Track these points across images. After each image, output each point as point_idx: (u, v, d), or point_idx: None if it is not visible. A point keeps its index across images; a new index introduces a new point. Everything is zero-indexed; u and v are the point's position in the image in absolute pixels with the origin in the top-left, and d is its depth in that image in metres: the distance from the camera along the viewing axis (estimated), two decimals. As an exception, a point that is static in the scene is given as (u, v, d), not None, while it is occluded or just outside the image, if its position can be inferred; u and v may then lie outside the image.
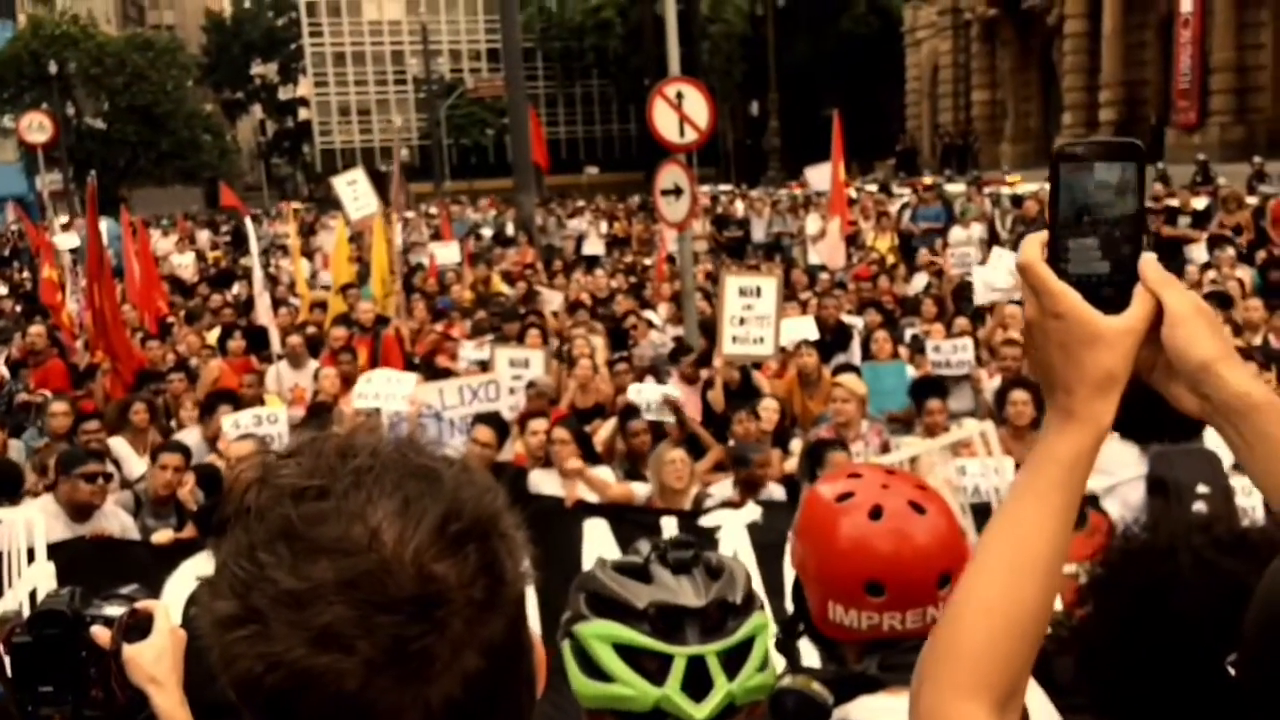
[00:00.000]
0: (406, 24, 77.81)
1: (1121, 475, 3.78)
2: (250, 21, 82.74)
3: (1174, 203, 16.28)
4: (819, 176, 20.11)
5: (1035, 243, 1.07)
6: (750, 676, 1.60)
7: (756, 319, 7.73)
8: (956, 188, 22.47)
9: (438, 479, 0.89)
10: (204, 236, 26.70)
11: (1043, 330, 1.07)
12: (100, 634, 1.58)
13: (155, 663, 1.58)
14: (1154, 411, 1.12)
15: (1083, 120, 35.76)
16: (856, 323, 9.85)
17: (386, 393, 7.04)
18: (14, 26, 54.99)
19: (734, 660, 1.58)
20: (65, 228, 16.56)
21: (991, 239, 14.44)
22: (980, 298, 9.56)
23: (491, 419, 6.68)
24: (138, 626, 1.60)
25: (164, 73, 54.85)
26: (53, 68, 43.63)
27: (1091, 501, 4.57)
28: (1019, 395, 5.78)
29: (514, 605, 0.91)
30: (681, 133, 9.13)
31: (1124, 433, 3.77)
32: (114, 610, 1.62)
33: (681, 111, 9.08)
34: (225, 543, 0.87)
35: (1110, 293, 1.06)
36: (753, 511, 5.25)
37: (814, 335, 8.73)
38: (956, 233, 15.03)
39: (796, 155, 40.54)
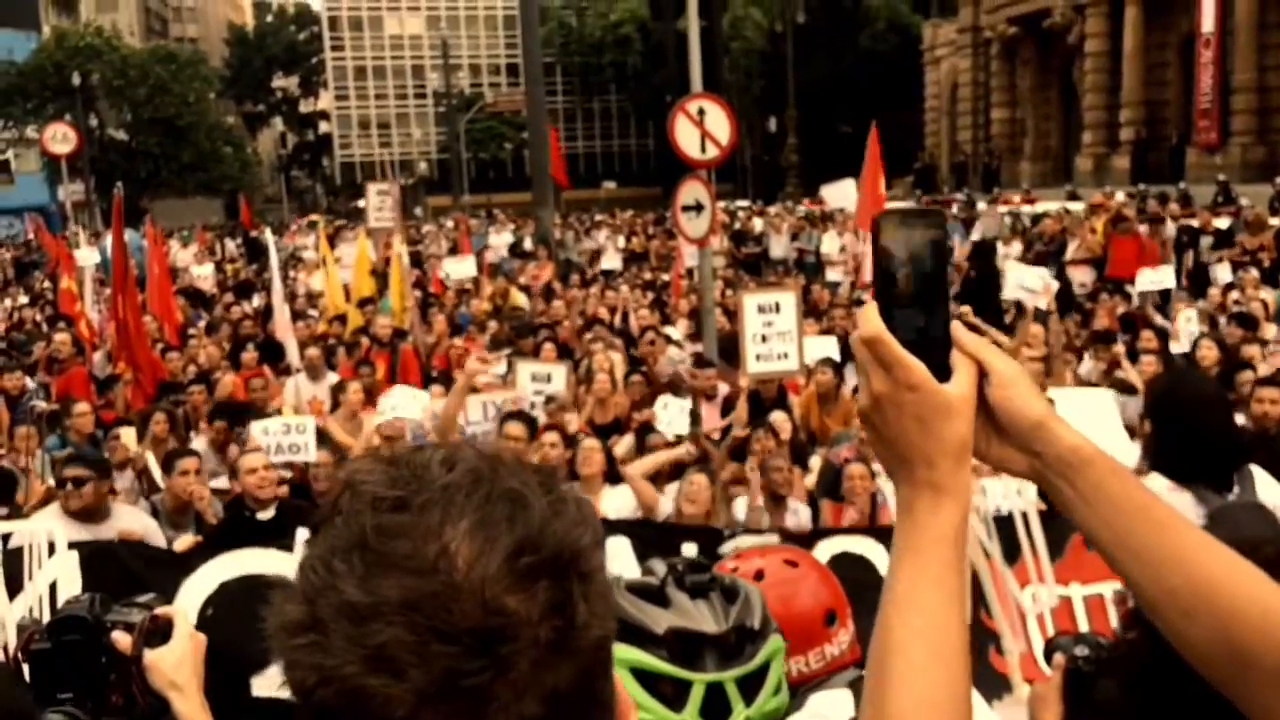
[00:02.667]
0: (427, 39, 78.34)
1: None
2: (272, 35, 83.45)
3: (1195, 223, 16.21)
4: (836, 194, 20.11)
5: (875, 314, 1.05)
6: (767, 701, 1.60)
7: (778, 335, 7.71)
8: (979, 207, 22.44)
9: (525, 505, 0.84)
10: (230, 246, 26.85)
11: (896, 404, 1.05)
12: (121, 639, 1.58)
13: (176, 668, 1.57)
14: (1196, 452, 1.11)
15: (1103, 139, 35.65)
16: None
17: (404, 405, 7.06)
18: (39, 38, 55.59)
19: (751, 686, 1.58)
20: (91, 240, 16.65)
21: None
22: (1008, 293, 9.53)
23: (522, 415, 6.78)
24: (158, 632, 1.60)
25: (186, 85, 55.33)
26: (76, 79, 44.11)
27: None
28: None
29: (589, 653, 0.85)
30: (703, 148, 9.13)
31: (1169, 474, 3.72)
32: (134, 616, 1.62)
33: (703, 127, 9.08)
34: (310, 544, 0.86)
35: (937, 360, 1.05)
36: (770, 538, 5.23)
37: (837, 355, 8.70)
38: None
39: (814, 172, 40.55)
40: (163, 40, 75.75)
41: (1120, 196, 20.24)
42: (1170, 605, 1.09)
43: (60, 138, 20.95)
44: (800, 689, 1.80)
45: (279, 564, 4.57)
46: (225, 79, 74.65)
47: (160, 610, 1.63)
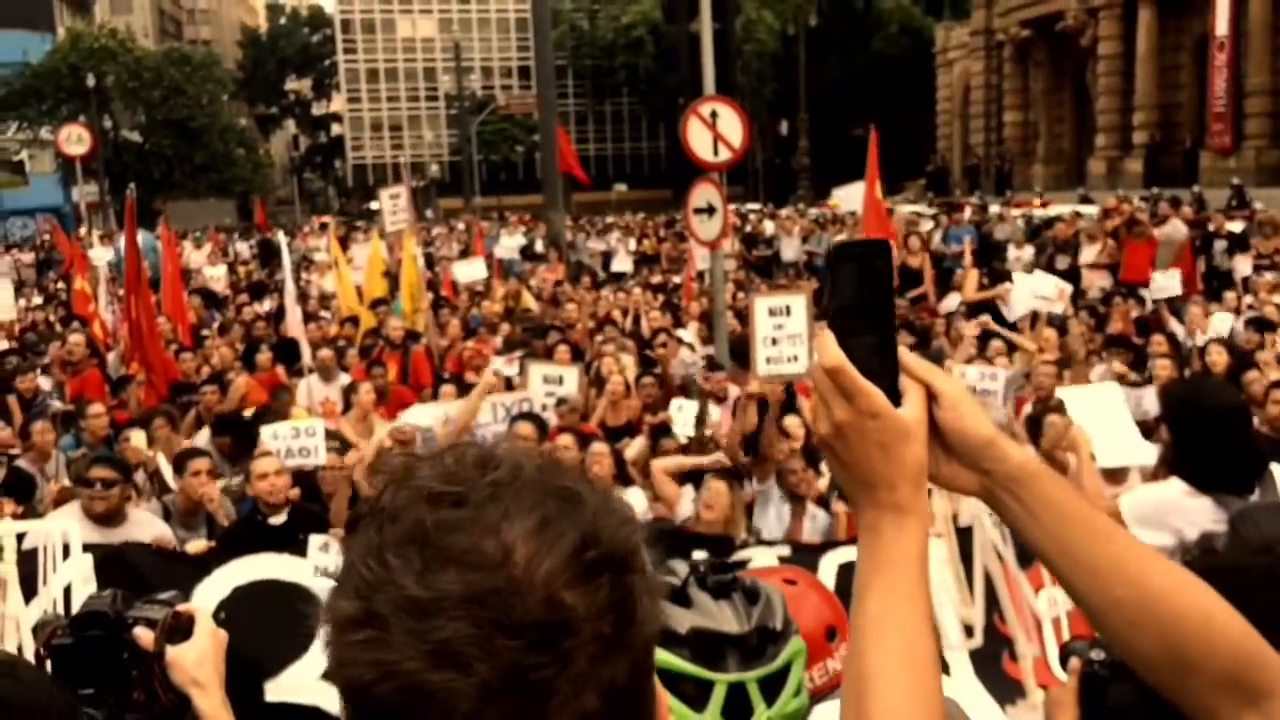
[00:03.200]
0: (439, 41, 78.52)
1: (1204, 529, 3.71)
2: (285, 37, 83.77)
3: (1210, 227, 16.15)
4: (848, 196, 20.08)
5: (835, 343, 1.09)
6: (788, 703, 1.60)
7: (789, 337, 7.69)
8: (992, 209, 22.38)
9: (579, 501, 0.85)
10: (243, 248, 26.93)
11: (859, 431, 1.09)
12: (143, 636, 1.57)
13: (198, 665, 1.58)
14: (1219, 461, 1.13)
15: (1116, 142, 35.55)
16: None
17: (417, 414, 7.08)
18: (53, 40, 55.85)
19: (773, 687, 1.58)
20: (104, 240, 16.72)
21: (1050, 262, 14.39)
22: (1021, 306, 9.40)
23: (532, 416, 6.83)
24: (180, 629, 1.60)
25: (200, 87, 55.55)
26: (91, 81, 44.28)
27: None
28: (1057, 420, 5.70)
29: (642, 649, 0.86)
30: (715, 151, 9.13)
31: (1191, 481, 3.70)
32: (156, 613, 1.61)
33: (716, 130, 9.08)
34: (355, 541, 0.85)
35: (888, 385, 1.09)
36: (783, 549, 5.22)
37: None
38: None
39: (825, 175, 40.55)
40: (176, 42, 76.09)
41: (1135, 200, 20.16)
42: (1117, 615, 1.13)
43: (75, 139, 21.07)
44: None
45: (291, 569, 4.58)
46: (238, 81, 74.91)
47: (182, 607, 1.64)
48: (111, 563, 4.37)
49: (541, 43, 20.21)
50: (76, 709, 1.36)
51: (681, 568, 1.64)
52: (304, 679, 4.06)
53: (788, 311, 7.70)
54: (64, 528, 3.70)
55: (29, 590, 3.75)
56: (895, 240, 14.13)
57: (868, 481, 1.10)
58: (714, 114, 9.14)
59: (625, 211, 38.84)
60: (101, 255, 14.43)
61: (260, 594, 4.66)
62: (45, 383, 9.81)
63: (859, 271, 1.11)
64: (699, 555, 5.08)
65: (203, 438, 7.50)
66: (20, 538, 3.91)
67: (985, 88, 44.47)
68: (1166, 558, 1.15)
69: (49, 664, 1.56)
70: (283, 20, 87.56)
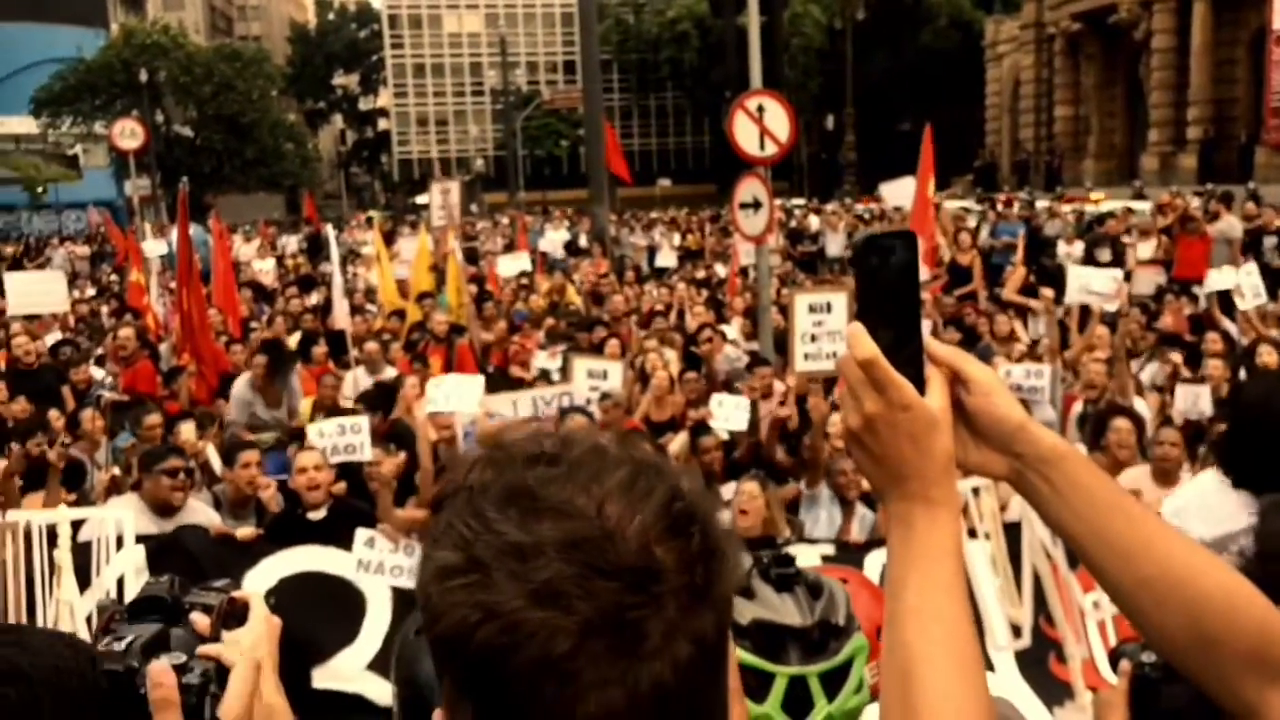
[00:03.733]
0: (485, 36, 78.86)
1: (1235, 525, 3.64)
2: (334, 33, 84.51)
3: (1258, 223, 15.83)
4: (894, 192, 19.89)
5: (867, 336, 1.09)
6: (848, 699, 1.59)
7: (828, 334, 7.66)
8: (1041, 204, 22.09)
9: (663, 470, 0.89)
10: (292, 242, 27.20)
11: (890, 424, 1.09)
12: (199, 620, 1.57)
13: (254, 649, 1.56)
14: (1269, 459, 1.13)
15: (1170, 137, 34.95)
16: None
17: (457, 395, 7.06)
18: (107, 36, 56.78)
19: (834, 681, 1.57)
20: (157, 233, 16.97)
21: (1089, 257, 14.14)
22: (1072, 297, 9.23)
23: (581, 411, 6.86)
24: (235, 614, 1.60)
25: (250, 82, 56.18)
26: (144, 76, 44.97)
27: None
28: (1122, 424, 5.59)
29: (724, 605, 0.89)
30: (762, 146, 9.09)
31: (1242, 478, 3.63)
32: (212, 599, 1.61)
33: (762, 124, 9.03)
34: (451, 506, 0.88)
35: (914, 375, 1.10)
36: (826, 548, 5.18)
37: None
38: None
39: (871, 170, 40.22)
40: (227, 38, 77.07)
41: (1188, 196, 19.81)
42: (1144, 594, 1.14)
43: (129, 133, 21.37)
44: None
45: (336, 563, 4.62)
46: (288, 77, 75.70)
47: (237, 593, 1.66)
48: (167, 550, 4.43)
49: (587, 37, 20.22)
50: (97, 664, 1.37)
51: (745, 560, 1.64)
52: (350, 668, 4.11)
53: (828, 308, 7.67)
54: (118, 518, 3.75)
55: (83, 581, 3.81)
56: (936, 238, 14.00)
57: (899, 474, 1.11)
58: (760, 108, 9.10)
59: (669, 206, 38.79)
60: (154, 248, 14.62)
61: (306, 585, 4.72)
62: (98, 373, 9.97)
63: (885, 264, 1.11)
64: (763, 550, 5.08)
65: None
66: (76, 526, 3.97)
67: (1035, 82, 43.90)
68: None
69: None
70: (331, 16, 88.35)
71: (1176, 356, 7.93)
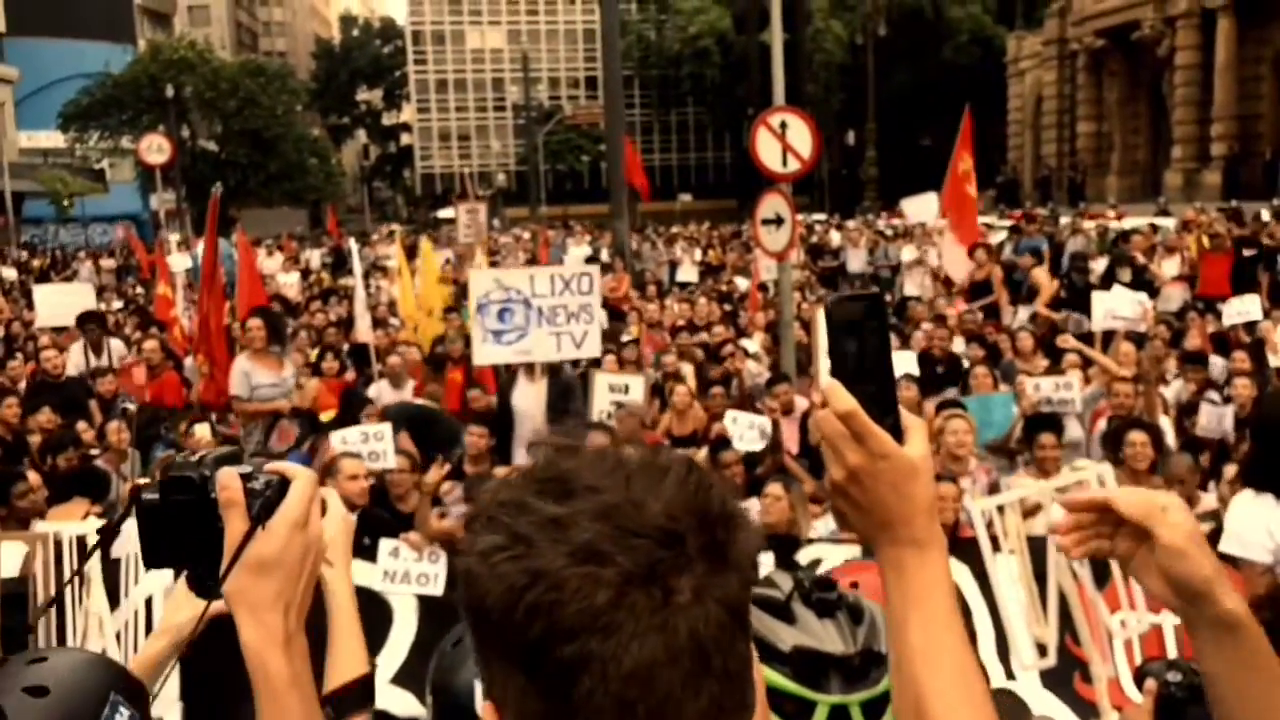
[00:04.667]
0: (508, 52, 79.31)
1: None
2: (358, 49, 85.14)
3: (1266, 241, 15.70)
4: (916, 207, 19.86)
5: (844, 390, 1.14)
6: None
7: None
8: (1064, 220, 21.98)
9: (690, 465, 0.95)
10: (315, 256, 27.36)
11: (871, 474, 1.14)
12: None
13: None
14: None
15: (1193, 154, 34.76)
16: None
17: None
18: (135, 51, 57.36)
19: (875, 711, 1.54)
20: (181, 247, 17.11)
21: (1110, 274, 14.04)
22: (1099, 324, 9.22)
23: (603, 427, 6.91)
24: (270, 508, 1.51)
25: (275, 98, 56.58)
26: (170, 91, 45.41)
27: (1213, 548, 4.39)
28: (1138, 437, 5.58)
29: (747, 567, 0.94)
30: (784, 162, 9.10)
31: (1271, 490, 3.62)
32: (257, 484, 1.44)
33: (785, 141, 9.04)
34: (483, 510, 0.94)
35: (890, 426, 1.15)
36: (852, 550, 5.16)
37: (915, 370, 8.58)
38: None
39: (893, 186, 40.15)
40: (252, 54, 77.72)
41: (1213, 213, 19.69)
42: None
43: (156, 148, 21.62)
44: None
45: (360, 574, 4.62)
46: (312, 92, 76.22)
47: (273, 465, 1.47)
48: None
49: (609, 54, 20.30)
50: (122, 685, 1.37)
51: (785, 582, 1.61)
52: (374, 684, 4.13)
53: None
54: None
55: (111, 598, 3.83)
56: (979, 238, 13.86)
57: (885, 521, 1.15)
58: (783, 124, 9.11)
59: (690, 221, 38.81)
60: (179, 262, 14.75)
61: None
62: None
63: (856, 323, 1.16)
64: (765, 560, 5.09)
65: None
66: (104, 539, 4.00)
67: (1058, 98, 43.76)
68: None
69: (136, 521, 1.47)
70: (355, 32, 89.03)
71: (1196, 379, 7.89)
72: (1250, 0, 31.97)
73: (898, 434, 1.15)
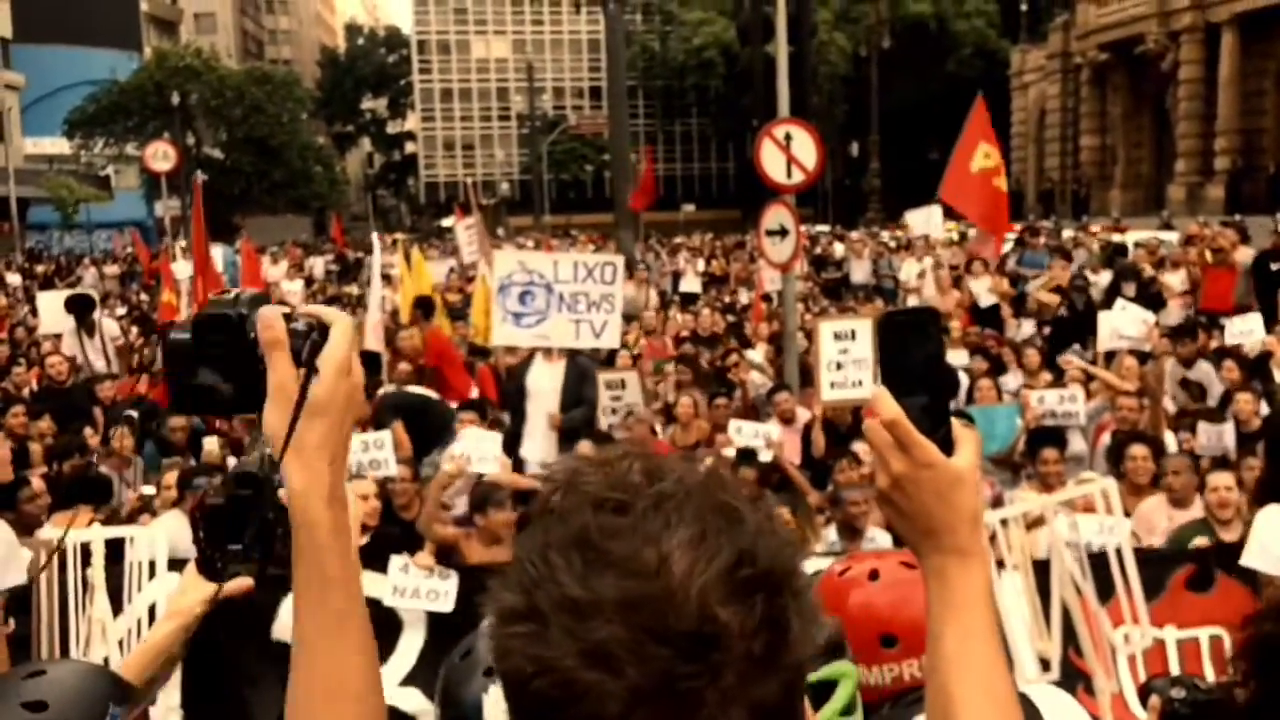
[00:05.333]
0: (513, 62, 79.49)
1: None
2: (363, 58, 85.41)
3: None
4: (920, 220, 19.87)
5: (892, 400, 1.15)
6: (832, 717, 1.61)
7: (853, 362, 7.66)
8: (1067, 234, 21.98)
9: (740, 519, 0.86)
10: (319, 264, 27.39)
11: (915, 482, 1.15)
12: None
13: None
14: None
15: (1197, 168, 34.78)
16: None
17: (477, 453, 6.62)
18: (140, 59, 57.54)
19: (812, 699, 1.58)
20: (186, 253, 17.15)
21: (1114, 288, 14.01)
22: (1105, 344, 9.24)
23: (604, 437, 6.93)
24: None
25: (280, 106, 56.75)
26: (175, 99, 45.52)
27: (1219, 563, 4.38)
28: (1139, 450, 5.59)
29: (793, 671, 0.87)
30: (789, 174, 9.11)
31: None
32: (295, 324, 1.65)
33: (789, 152, 9.06)
34: (523, 539, 0.89)
35: (941, 438, 1.17)
36: (884, 536, 5.17)
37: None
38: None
39: (896, 197, 40.18)
40: (258, 62, 77.92)
41: (1216, 227, 19.68)
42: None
43: (162, 156, 21.70)
44: (914, 693, 1.81)
45: (370, 585, 4.60)
46: (317, 100, 76.40)
47: None
48: None
49: (614, 64, 20.39)
50: (121, 695, 1.39)
51: (823, 622, 1.67)
52: (385, 683, 4.13)
53: (853, 336, 7.67)
54: (152, 539, 3.77)
55: (115, 604, 3.82)
56: (954, 263, 13.83)
57: (929, 529, 1.16)
58: (788, 136, 9.13)
59: (694, 232, 38.86)
60: (184, 269, 14.77)
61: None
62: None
63: (909, 338, 1.19)
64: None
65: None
66: (112, 544, 4.01)
67: (1062, 111, 43.82)
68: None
69: (202, 524, 1.63)
70: (361, 41, 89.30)
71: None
72: (1254, 15, 32.02)
73: (949, 445, 1.17)
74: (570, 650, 0.81)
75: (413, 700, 4.34)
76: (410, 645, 4.62)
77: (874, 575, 1.92)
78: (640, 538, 0.83)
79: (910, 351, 1.19)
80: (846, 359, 7.66)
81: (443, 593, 4.81)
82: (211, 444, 7.40)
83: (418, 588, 4.82)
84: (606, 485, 0.87)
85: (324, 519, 1.14)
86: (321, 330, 1.19)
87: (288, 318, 1.20)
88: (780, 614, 0.85)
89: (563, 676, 0.81)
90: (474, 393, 9.34)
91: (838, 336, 7.70)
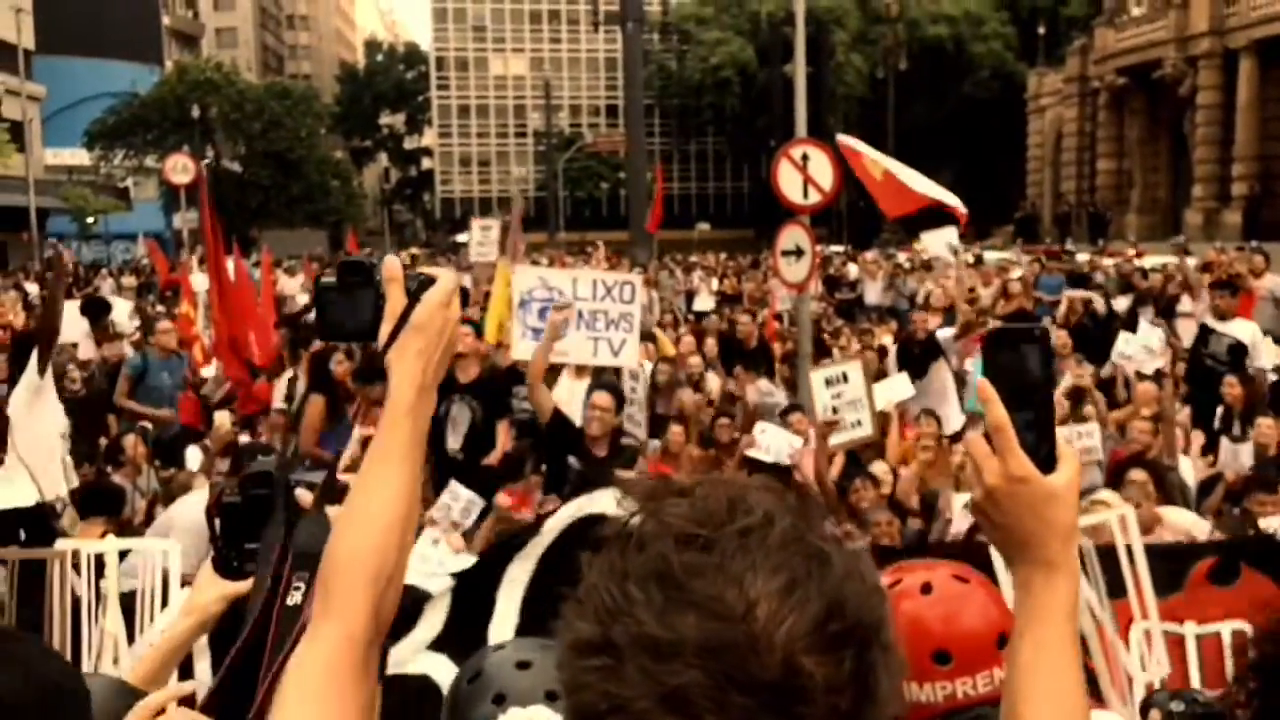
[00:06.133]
0: (530, 80, 79.92)
1: None
2: (382, 74, 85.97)
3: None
4: (935, 241, 19.80)
5: (1000, 405, 1.17)
6: None
7: (848, 404, 7.66)
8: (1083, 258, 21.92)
9: (827, 563, 0.83)
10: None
11: (1009, 495, 1.16)
12: (303, 496, 1.72)
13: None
14: None
15: (1214, 193, 34.69)
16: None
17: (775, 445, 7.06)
18: (161, 72, 58.05)
19: None
20: (203, 266, 17.22)
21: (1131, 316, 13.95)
22: (1118, 360, 9.21)
23: (610, 386, 6.84)
24: (335, 492, 1.72)
25: (299, 120, 57.19)
26: (195, 112, 45.92)
27: (1245, 556, 4.29)
28: (1138, 475, 5.52)
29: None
30: (805, 194, 9.12)
31: None
32: (316, 478, 1.76)
33: (806, 173, 9.07)
34: (599, 562, 0.85)
35: (1043, 454, 1.18)
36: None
37: (909, 392, 8.57)
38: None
39: (910, 219, 40.17)
40: (278, 77, 78.56)
41: (1233, 252, 19.60)
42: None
43: (181, 168, 21.86)
44: (966, 712, 1.77)
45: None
46: (335, 115, 76.94)
47: (342, 477, 1.77)
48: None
49: (631, 83, 20.46)
50: (78, 694, 1.41)
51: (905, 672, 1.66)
52: (408, 652, 4.01)
53: (844, 379, 7.67)
54: (165, 550, 3.76)
55: (128, 619, 3.79)
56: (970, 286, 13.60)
57: (1020, 541, 1.17)
58: (805, 157, 9.15)
59: (707, 251, 38.89)
60: (202, 282, 14.84)
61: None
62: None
63: (1018, 352, 1.21)
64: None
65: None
66: (123, 555, 4.00)
67: (1078, 134, 43.79)
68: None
69: (218, 520, 1.72)
70: (380, 57, 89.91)
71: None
72: (1273, 41, 31.98)
73: (1051, 462, 1.18)
74: (647, 692, 0.78)
75: (441, 668, 4.22)
76: (434, 617, 4.43)
77: (926, 588, 1.85)
78: (724, 578, 0.80)
79: (1018, 366, 1.20)
80: (841, 402, 7.65)
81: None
82: (223, 418, 7.38)
83: (443, 561, 4.75)
84: (690, 517, 0.84)
85: (406, 400, 1.36)
86: (429, 280, 1.47)
87: (406, 269, 1.49)
88: (869, 670, 0.82)
89: (637, 719, 0.78)
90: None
91: (829, 382, 7.71)
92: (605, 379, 8.00)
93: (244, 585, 1.72)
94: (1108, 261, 21.58)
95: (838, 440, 7.48)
